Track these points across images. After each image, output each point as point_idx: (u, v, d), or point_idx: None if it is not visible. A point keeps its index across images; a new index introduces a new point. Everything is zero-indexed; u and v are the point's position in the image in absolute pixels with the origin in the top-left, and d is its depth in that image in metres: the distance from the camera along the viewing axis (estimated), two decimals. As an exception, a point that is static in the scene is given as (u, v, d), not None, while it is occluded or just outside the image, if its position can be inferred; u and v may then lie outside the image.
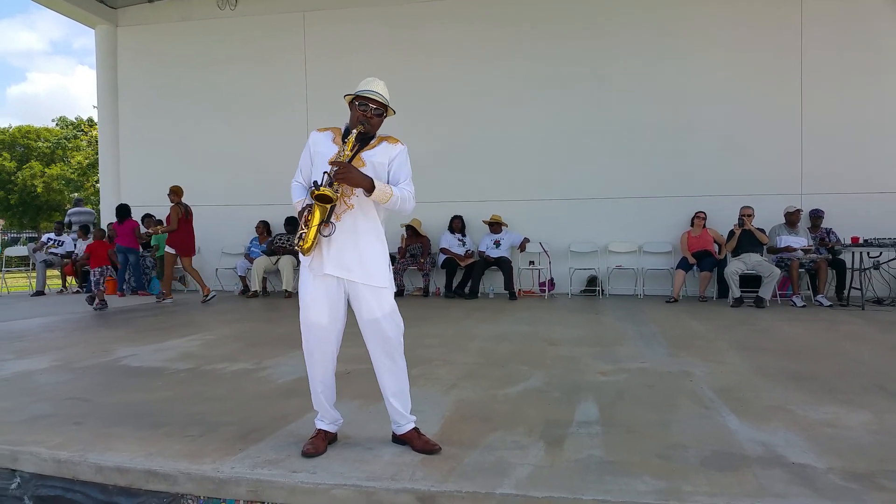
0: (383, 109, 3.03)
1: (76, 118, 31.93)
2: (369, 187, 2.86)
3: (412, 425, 3.02)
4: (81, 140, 30.00)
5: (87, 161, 28.34)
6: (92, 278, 8.92)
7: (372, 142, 3.04)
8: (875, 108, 9.36)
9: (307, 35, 11.15)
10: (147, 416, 3.55)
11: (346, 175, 2.83)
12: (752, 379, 4.29)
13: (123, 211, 10.55)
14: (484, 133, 10.47)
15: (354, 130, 2.98)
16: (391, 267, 3.11)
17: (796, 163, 9.54)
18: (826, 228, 9.13)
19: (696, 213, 9.31)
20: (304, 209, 2.95)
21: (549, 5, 10.25)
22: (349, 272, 2.94)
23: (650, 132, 9.94)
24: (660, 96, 9.90)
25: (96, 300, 8.66)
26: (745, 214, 8.72)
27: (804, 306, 8.23)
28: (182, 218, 9.59)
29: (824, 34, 9.49)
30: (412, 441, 2.99)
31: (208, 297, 9.52)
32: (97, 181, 25.23)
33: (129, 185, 11.96)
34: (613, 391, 3.99)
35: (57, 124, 32.14)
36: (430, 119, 10.54)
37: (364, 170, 2.93)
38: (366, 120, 2.98)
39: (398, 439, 3.06)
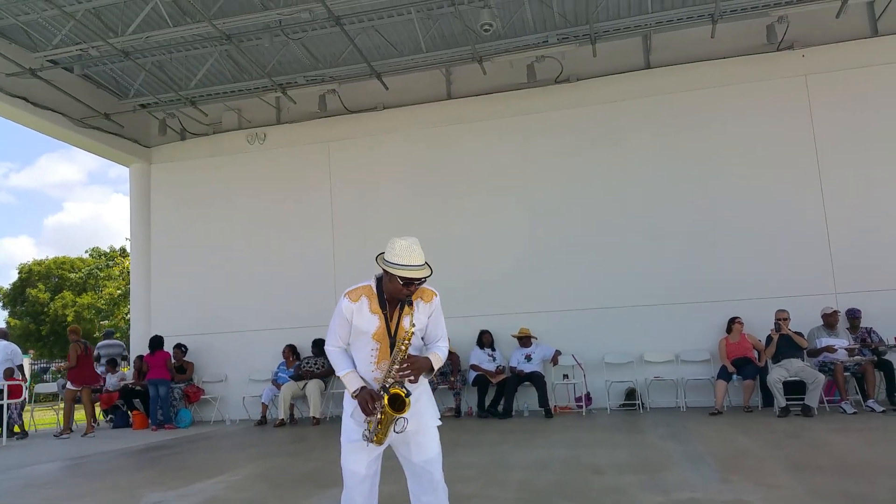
0: (424, 280, 2.95)
1: (109, 247, 32.90)
2: (431, 369, 2.88)
3: None
4: (114, 269, 30.77)
5: (118, 291, 28.94)
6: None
7: (408, 307, 2.96)
8: (897, 199, 9.28)
9: (332, 164, 11.53)
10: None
11: (418, 372, 2.84)
12: (814, 507, 4.00)
13: (156, 342, 10.63)
14: (509, 245, 10.52)
15: (407, 318, 2.91)
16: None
17: (826, 260, 9.39)
18: (866, 328, 8.84)
19: (734, 319, 9.09)
20: (362, 395, 2.86)
21: (566, 122, 10.54)
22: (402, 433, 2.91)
23: (677, 237, 9.92)
24: (683, 201, 9.96)
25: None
26: (781, 318, 8.50)
27: (855, 413, 7.83)
28: (81, 354, 10.12)
29: (835, 123, 9.58)
30: None
31: (63, 435, 9.84)
32: (127, 312, 25.62)
33: (160, 315, 12.09)
34: (666, 530, 3.73)
35: (90, 255, 33.08)
36: (453, 233, 10.66)
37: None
38: (411, 294, 2.90)
39: None
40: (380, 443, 2.85)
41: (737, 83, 9.95)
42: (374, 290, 2.99)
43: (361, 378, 2.95)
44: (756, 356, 8.89)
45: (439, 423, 3.01)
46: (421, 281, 2.90)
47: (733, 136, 9.92)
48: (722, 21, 9.47)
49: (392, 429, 2.81)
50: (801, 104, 9.74)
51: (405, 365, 2.80)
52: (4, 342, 10.94)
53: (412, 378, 2.81)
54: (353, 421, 2.95)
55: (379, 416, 2.81)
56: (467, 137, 10.96)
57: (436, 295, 3.02)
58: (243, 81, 11.18)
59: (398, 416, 2.77)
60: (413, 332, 2.86)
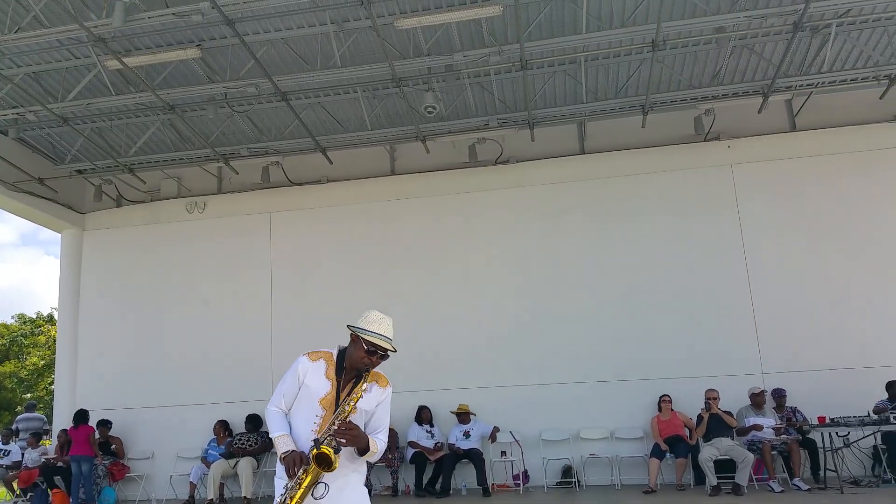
0: (388, 355, 2.98)
1: (36, 313, 31.50)
2: (366, 450, 2.83)
3: None
4: (40, 337, 29.39)
5: (42, 362, 27.59)
6: None
7: (362, 382, 2.94)
8: (821, 284, 9.79)
9: (273, 235, 11.46)
10: None
11: (356, 439, 2.78)
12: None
13: (81, 416, 10.16)
14: (448, 321, 10.58)
15: (363, 384, 2.91)
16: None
17: (753, 342, 9.76)
18: (791, 407, 9.15)
19: (661, 397, 9.31)
20: (290, 457, 2.80)
21: (505, 202, 10.84)
22: None
23: (611, 316, 10.17)
24: (617, 282, 10.26)
25: None
26: (711, 398, 8.76)
27: (783, 491, 8.04)
28: None
29: (760, 210, 10.13)
30: None
31: None
32: (51, 383, 24.37)
33: (86, 387, 11.56)
34: None
35: (15, 320, 31.59)
36: (392, 308, 10.52)
37: (354, 417, 2.87)
38: (369, 365, 2.93)
39: None
40: None
41: (667, 171, 10.48)
42: (335, 358, 3.01)
43: (294, 443, 2.90)
44: (687, 434, 9.07)
45: None
46: (385, 354, 2.93)
47: (663, 220, 10.38)
48: (652, 112, 10.05)
49: (311, 493, 2.72)
50: (728, 191, 10.30)
51: (344, 427, 2.75)
52: None
53: (345, 441, 2.74)
54: (281, 483, 2.89)
55: (300, 477, 2.74)
56: (409, 213, 11.13)
57: (389, 385, 3.04)
58: (185, 150, 11.11)
59: (322, 472, 2.71)
60: (360, 397, 2.86)
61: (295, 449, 2.85)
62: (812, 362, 9.51)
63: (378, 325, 2.94)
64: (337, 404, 2.89)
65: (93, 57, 8.34)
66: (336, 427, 2.76)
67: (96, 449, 10.12)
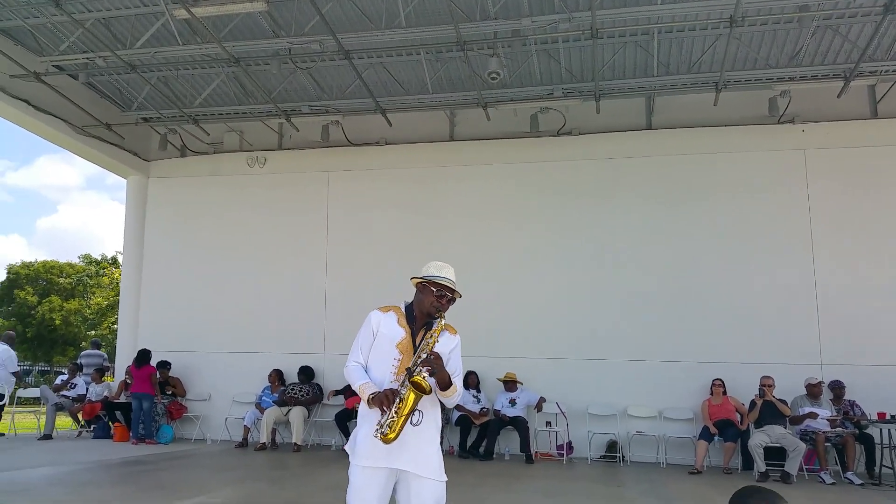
0: (455, 300, 3.11)
1: (101, 255, 32.78)
2: (448, 384, 2.91)
3: None
4: (104, 279, 30.61)
5: (105, 302, 28.76)
6: None
7: (434, 328, 3.06)
8: (888, 277, 9.44)
9: (330, 194, 11.61)
10: None
11: (441, 368, 2.88)
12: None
13: (144, 356, 10.59)
14: (500, 290, 10.59)
15: (438, 322, 3.05)
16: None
17: (814, 333, 9.51)
18: (849, 401, 8.92)
19: (714, 381, 9.18)
20: (379, 396, 2.87)
21: (565, 174, 10.72)
22: (405, 463, 2.91)
23: (667, 297, 10.02)
24: (676, 262, 10.09)
25: None
26: (766, 385, 8.60)
27: (833, 483, 7.88)
28: None
29: (831, 199, 9.80)
30: None
31: None
32: (114, 322, 25.45)
33: (148, 329, 12.03)
34: None
35: (81, 260, 32.94)
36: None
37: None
38: (440, 308, 3.05)
39: None
40: (391, 438, 2.79)
41: (735, 151, 10.16)
42: (403, 310, 3.15)
43: (376, 388, 2.97)
44: (738, 419, 8.94)
45: (445, 479, 3.00)
46: (453, 297, 3.07)
47: (729, 202, 10.10)
48: (725, 90, 9.71)
49: (410, 421, 2.82)
50: (799, 177, 9.94)
51: (432, 355, 2.88)
52: (4, 346, 11.07)
53: (438, 367, 2.86)
54: (361, 443, 2.94)
55: (398, 407, 2.82)
56: (466, 180, 11.09)
57: (458, 335, 3.15)
58: (248, 104, 11.30)
59: (419, 398, 2.81)
60: (437, 340, 2.98)
61: (378, 391, 2.92)
62: (874, 357, 9.23)
63: (442, 271, 3.10)
64: (414, 348, 3.00)
65: (161, 5, 8.40)
66: (425, 356, 2.88)
67: (157, 388, 10.55)
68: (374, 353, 3.06)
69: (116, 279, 25.57)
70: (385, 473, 2.91)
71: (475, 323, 10.44)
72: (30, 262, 32.68)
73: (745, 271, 9.85)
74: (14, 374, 11.20)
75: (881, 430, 8.10)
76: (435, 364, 2.85)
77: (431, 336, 3.00)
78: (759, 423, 8.48)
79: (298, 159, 11.91)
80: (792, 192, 9.92)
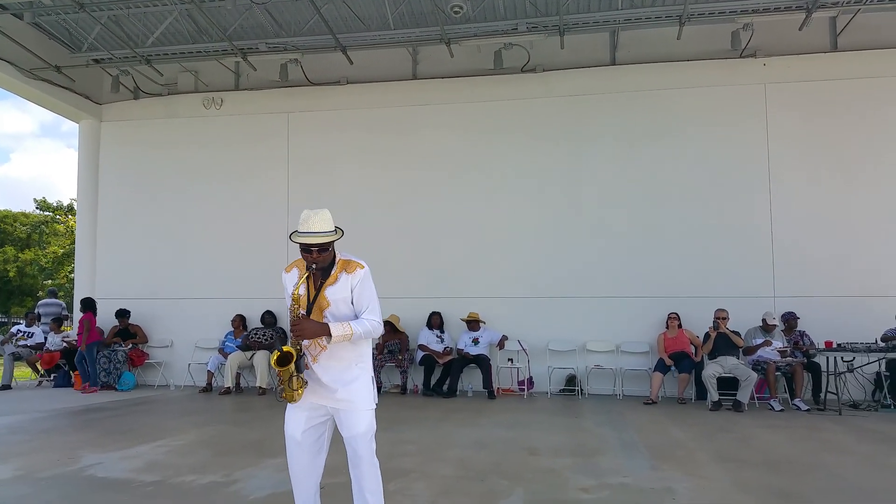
0: (328, 244, 3.07)
1: (56, 202, 31.85)
2: (327, 334, 2.96)
3: None
4: (59, 226, 29.83)
5: (62, 251, 28.10)
6: None
7: (332, 273, 3.12)
8: (843, 210, 9.67)
9: (290, 135, 11.39)
10: (110, 542, 3.39)
11: (303, 332, 2.96)
12: (735, 497, 4.23)
13: (88, 304, 10.49)
14: (463, 231, 10.62)
15: (311, 278, 3.12)
16: (374, 383, 3.20)
17: (768, 265, 9.76)
18: (799, 331, 9.24)
19: (669, 315, 9.41)
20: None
21: (529, 111, 10.63)
22: (327, 399, 3.08)
23: (626, 232, 10.16)
24: (635, 197, 10.18)
25: None
26: (720, 318, 8.84)
27: (782, 410, 8.23)
28: None
29: (789, 132, 9.90)
30: None
31: None
32: (70, 271, 24.93)
33: (105, 277, 11.83)
34: (595, 512, 3.90)
35: (38, 206, 31.97)
36: (409, 216, 10.75)
37: (329, 310, 3.07)
38: (314, 262, 3.07)
39: None
40: (290, 399, 3.02)
41: (698, 86, 10.17)
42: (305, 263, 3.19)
43: None
44: (693, 351, 9.22)
45: (373, 406, 3.14)
46: (316, 247, 3.03)
47: (689, 137, 10.17)
48: (689, 24, 9.65)
49: (292, 386, 2.98)
50: (758, 111, 10.02)
51: (293, 325, 2.98)
52: None
53: (298, 334, 2.97)
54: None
55: (279, 375, 3.02)
56: (429, 119, 10.95)
57: (362, 267, 3.14)
58: (202, 43, 10.88)
59: (283, 370, 2.96)
60: (298, 296, 3.07)
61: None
62: (826, 288, 9.51)
63: (305, 224, 3.05)
64: (308, 301, 3.08)
65: (109, -62, 8.01)
66: (290, 325, 3.01)
67: (85, 335, 10.30)
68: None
69: (72, 227, 24.94)
70: (308, 405, 3.11)
71: (439, 264, 10.57)
72: (-19, 212, 31.65)
73: (704, 206, 10.00)
74: None
75: (827, 357, 8.45)
76: (296, 330, 2.96)
77: (294, 298, 3.07)
78: (712, 355, 8.75)
79: (257, 100, 11.60)
80: (751, 127, 10.00)
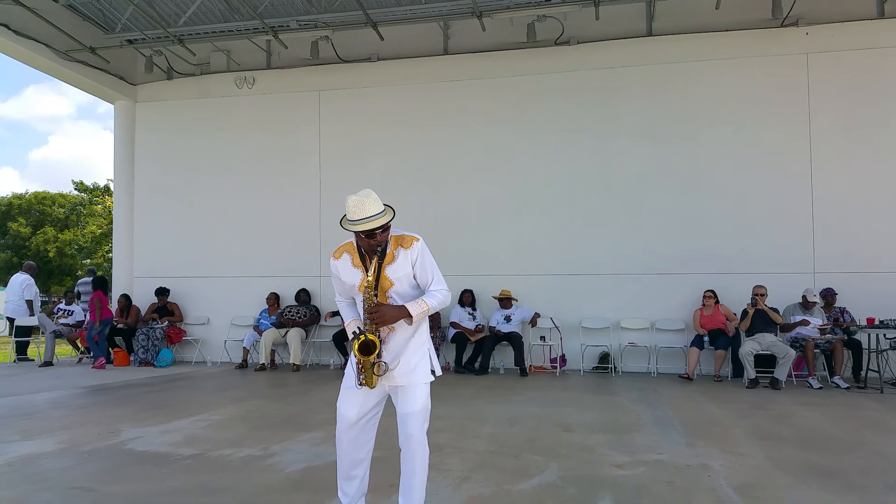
0: (388, 224, 3.01)
1: (93, 184, 32.52)
2: (407, 316, 2.94)
3: None
4: (96, 207, 30.47)
5: (99, 231, 28.72)
6: None
7: (388, 252, 3.05)
8: (887, 185, 9.38)
9: (322, 113, 11.41)
10: (152, 512, 3.47)
11: (382, 318, 2.92)
12: (772, 474, 4.17)
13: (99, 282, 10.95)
14: (495, 207, 10.56)
15: (373, 260, 3.01)
16: (433, 355, 3.17)
17: (808, 241, 9.53)
18: (839, 308, 9.04)
19: (705, 292, 9.27)
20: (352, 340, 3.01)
21: (562, 85, 10.47)
22: (386, 378, 3.04)
23: (661, 209, 10.00)
24: (671, 173, 10.00)
25: None
26: (758, 294, 8.67)
27: (821, 388, 8.07)
28: None
29: (832, 105, 9.59)
30: None
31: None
32: (108, 250, 25.47)
33: (142, 256, 12.05)
34: (631, 488, 3.87)
35: (76, 188, 32.70)
36: (441, 193, 10.71)
37: (394, 289, 3.03)
38: (377, 244, 3.01)
39: None
40: (370, 386, 2.97)
41: (737, 57, 9.89)
42: (355, 246, 3.12)
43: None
44: (729, 328, 9.08)
45: (431, 378, 3.09)
46: (379, 230, 2.97)
47: (728, 110, 9.91)
48: (729, -9, 9.38)
49: (374, 372, 2.93)
50: (800, 82, 9.71)
51: (370, 311, 2.93)
52: (24, 276, 11.78)
53: (379, 322, 2.92)
54: (352, 369, 3.07)
55: (359, 362, 2.96)
56: (461, 94, 10.86)
57: (417, 240, 3.09)
58: (234, 22, 10.92)
59: (365, 359, 2.92)
60: (371, 282, 2.97)
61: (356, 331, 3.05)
62: (868, 264, 9.27)
63: (355, 212, 2.95)
64: (375, 283, 3.01)
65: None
66: (367, 317, 2.94)
67: (98, 313, 10.55)
68: (348, 291, 3.16)
69: (109, 207, 25.42)
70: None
71: (471, 241, 10.53)
72: (21, 194, 32.46)
73: (742, 181, 9.77)
74: (28, 301, 11.69)
75: (869, 335, 8.25)
76: (375, 318, 2.91)
77: (369, 277, 2.98)
78: (750, 332, 8.60)
79: (288, 78, 11.63)
80: (793, 99, 9.71)
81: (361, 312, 3.06)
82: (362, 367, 2.95)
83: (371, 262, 3.00)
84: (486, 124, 10.71)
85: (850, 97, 9.58)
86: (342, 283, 3.15)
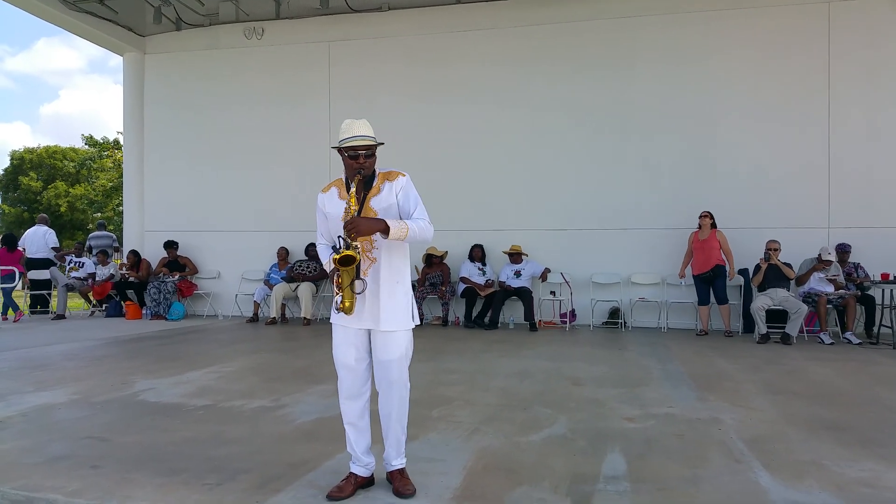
0: (373, 149, 3.04)
1: (102, 138, 32.46)
2: (384, 229, 2.90)
3: (398, 466, 3.11)
4: (107, 161, 30.46)
5: (110, 184, 28.76)
6: None
7: (374, 184, 3.08)
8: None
9: (332, 64, 11.24)
10: (165, 461, 3.50)
11: (358, 228, 2.88)
12: (783, 428, 4.16)
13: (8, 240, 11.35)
14: (505, 162, 10.44)
15: (353, 183, 3.02)
16: (414, 303, 3.17)
17: (823, 195, 9.39)
18: (854, 263, 8.95)
19: (701, 213, 9.01)
20: (332, 272, 3.00)
21: (572, 39, 10.24)
22: (369, 323, 3.05)
23: (674, 163, 9.85)
24: (683, 127, 9.82)
25: None
26: (772, 249, 8.57)
27: (832, 343, 8.04)
28: None
29: (851, 64, 9.37)
30: (392, 481, 3.09)
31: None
32: (119, 204, 25.52)
33: (153, 210, 12.06)
34: (641, 440, 3.88)
35: (86, 142, 32.66)
36: (450, 146, 10.58)
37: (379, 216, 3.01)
38: (360, 167, 3.01)
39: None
40: (348, 311, 2.95)
41: (754, 6, 9.60)
42: (344, 180, 3.15)
43: None
44: (723, 258, 8.81)
45: (411, 326, 3.10)
46: (363, 150, 2.98)
47: (744, 62, 9.66)
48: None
49: (353, 291, 2.93)
50: (820, 32, 9.43)
51: (347, 225, 2.88)
52: (45, 228, 11.94)
53: (353, 234, 2.87)
54: (336, 315, 3.07)
55: (337, 281, 2.95)
56: (472, 45, 10.64)
57: (403, 175, 3.10)
58: (243, -31, 10.70)
59: (344, 270, 2.89)
60: (354, 212, 2.96)
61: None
62: (884, 219, 9.15)
63: (348, 130, 3.03)
64: (356, 215, 2.99)
65: None
66: (345, 227, 2.90)
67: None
68: (332, 231, 3.13)
69: (119, 160, 25.39)
70: (354, 331, 3.08)
71: (481, 195, 10.45)
72: (33, 148, 32.45)
73: (757, 133, 9.59)
74: (54, 249, 11.93)
75: (883, 290, 8.17)
76: (349, 228, 2.86)
77: (350, 203, 2.97)
78: (762, 287, 8.53)
79: (298, 29, 11.42)
80: (812, 49, 9.45)
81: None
82: (341, 288, 2.93)
83: (355, 194, 3.00)
84: (497, 76, 10.51)
85: (871, 47, 9.31)
86: (325, 221, 3.17)
